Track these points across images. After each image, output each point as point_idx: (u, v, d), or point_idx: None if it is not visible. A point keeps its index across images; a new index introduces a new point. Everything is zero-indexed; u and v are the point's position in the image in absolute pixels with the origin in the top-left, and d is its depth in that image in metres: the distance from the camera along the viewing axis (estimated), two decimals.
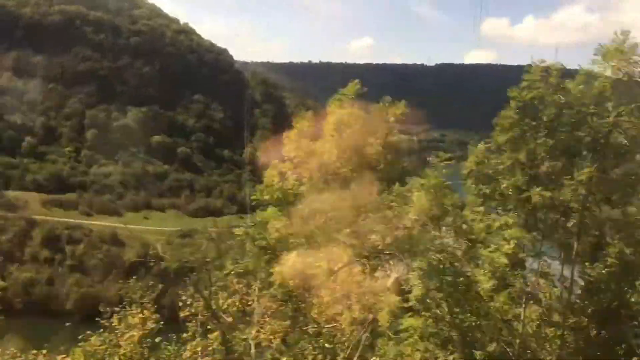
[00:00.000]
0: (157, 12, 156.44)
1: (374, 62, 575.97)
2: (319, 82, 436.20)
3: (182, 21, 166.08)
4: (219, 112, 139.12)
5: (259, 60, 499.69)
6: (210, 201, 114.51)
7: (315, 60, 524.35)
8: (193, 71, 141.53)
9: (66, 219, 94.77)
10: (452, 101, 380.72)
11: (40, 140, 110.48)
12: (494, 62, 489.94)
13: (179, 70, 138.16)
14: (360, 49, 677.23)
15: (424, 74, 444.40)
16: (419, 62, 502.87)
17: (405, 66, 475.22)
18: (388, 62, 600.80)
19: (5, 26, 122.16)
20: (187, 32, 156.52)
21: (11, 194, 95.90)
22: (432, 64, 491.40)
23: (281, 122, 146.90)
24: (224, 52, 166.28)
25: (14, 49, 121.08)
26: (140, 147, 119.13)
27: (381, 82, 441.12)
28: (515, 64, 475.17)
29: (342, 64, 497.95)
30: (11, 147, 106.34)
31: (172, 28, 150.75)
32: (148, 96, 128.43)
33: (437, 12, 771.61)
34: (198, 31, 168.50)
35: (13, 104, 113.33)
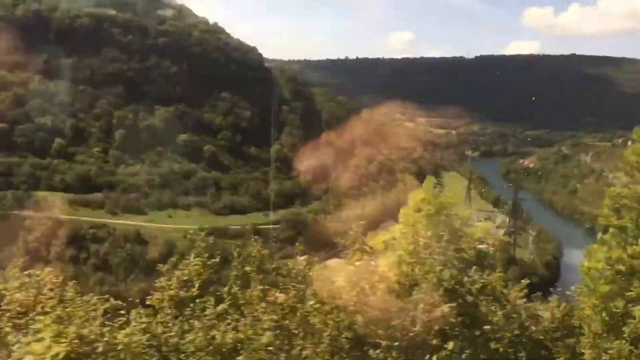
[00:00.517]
0: (185, 13, 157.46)
1: (412, 57, 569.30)
2: (355, 78, 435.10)
3: (212, 21, 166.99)
4: (246, 110, 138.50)
5: (295, 58, 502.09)
6: (236, 199, 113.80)
7: (352, 56, 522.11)
8: (220, 70, 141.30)
9: (92, 219, 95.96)
10: (492, 94, 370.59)
11: (69, 142, 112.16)
12: (536, 53, 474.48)
13: (205, 69, 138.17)
14: (400, 44, 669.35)
15: (463, 67, 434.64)
16: (458, 55, 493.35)
17: (443, 60, 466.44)
18: (426, 56, 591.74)
19: (37, 31, 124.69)
20: (215, 31, 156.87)
21: (40, 194, 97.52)
22: (472, 56, 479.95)
23: (310, 119, 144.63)
24: (252, 50, 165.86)
25: (45, 53, 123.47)
26: (167, 146, 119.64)
27: (419, 77, 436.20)
28: (558, 53, 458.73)
29: (379, 59, 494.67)
30: (42, 148, 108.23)
31: (199, 28, 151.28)
32: (175, 96, 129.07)
33: (478, 4, 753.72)
34: (235, 31, 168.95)
35: (44, 107, 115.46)
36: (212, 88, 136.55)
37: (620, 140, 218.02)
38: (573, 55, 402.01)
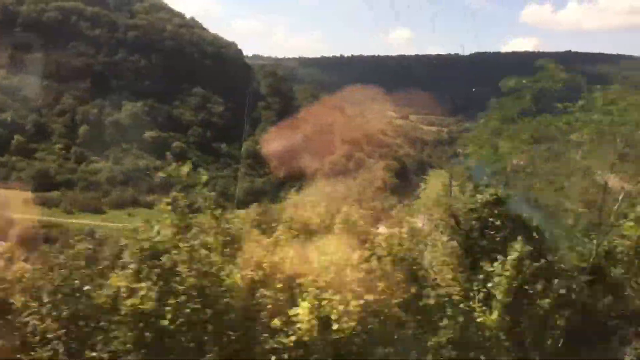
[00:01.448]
0: (159, 7, 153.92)
1: (407, 54, 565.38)
2: (348, 75, 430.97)
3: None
4: (218, 106, 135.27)
5: (290, 56, 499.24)
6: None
7: (347, 53, 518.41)
8: (193, 65, 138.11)
9: (46, 217, 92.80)
10: (486, 91, 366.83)
11: (30, 138, 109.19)
12: (531, 50, 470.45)
13: (177, 64, 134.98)
14: (398, 42, 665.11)
15: (458, 64, 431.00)
16: (452, 52, 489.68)
17: (438, 57, 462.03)
18: (421, 53, 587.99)
19: (3, 24, 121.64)
20: (189, 26, 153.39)
21: None
22: (467, 53, 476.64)
23: (287, 116, 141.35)
24: (229, 45, 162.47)
25: (10, 47, 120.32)
26: (133, 142, 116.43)
27: (413, 73, 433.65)
28: (553, 50, 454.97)
29: (374, 56, 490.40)
30: (0, 145, 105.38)
31: (173, 22, 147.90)
32: (144, 91, 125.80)
33: (478, 1, 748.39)
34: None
35: (6, 102, 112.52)
36: (184, 83, 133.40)
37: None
38: (568, 52, 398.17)
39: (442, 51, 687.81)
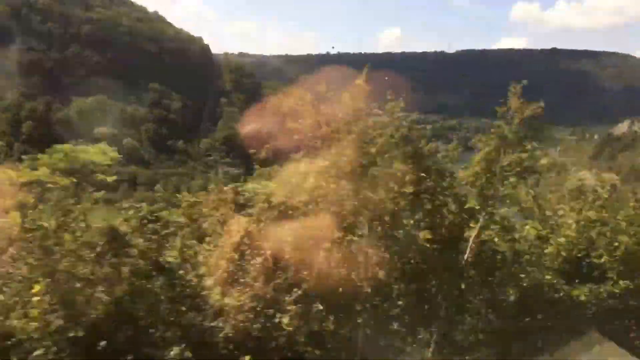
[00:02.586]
0: (119, 0, 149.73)
1: (393, 52, 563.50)
2: (335, 72, 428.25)
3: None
4: (176, 102, 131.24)
5: (277, 53, 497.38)
6: (150, 195, 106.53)
7: (334, 51, 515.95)
8: (151, 60, 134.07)
9: None
10: (471, 88, 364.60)
11: None
12: (517, 47, 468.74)
13: (134, 59, 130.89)
14: (388, 40, 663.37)
15: (444, 62, 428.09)
16: (439, 50, 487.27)
17: (425, 54, 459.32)
18: (408, 50, 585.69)
19: None
20: (150, 20, 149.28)
21: None
22: (452, 51, 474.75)
23: (249, 109, 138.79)
24: (194, 40, 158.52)
25: None
26: (82, 139, 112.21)
27: (399, 71, 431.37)
28: (539, 48, 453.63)
29: (360, 54, 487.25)
30: None
31: (132, 16, 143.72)
32: (96, 86, 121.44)
33: (467, 1, 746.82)
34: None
35: None
36: (140, 79, 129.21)
37: (587, 135, 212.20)
38: (554, 50, 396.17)
39: (430, 49, 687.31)
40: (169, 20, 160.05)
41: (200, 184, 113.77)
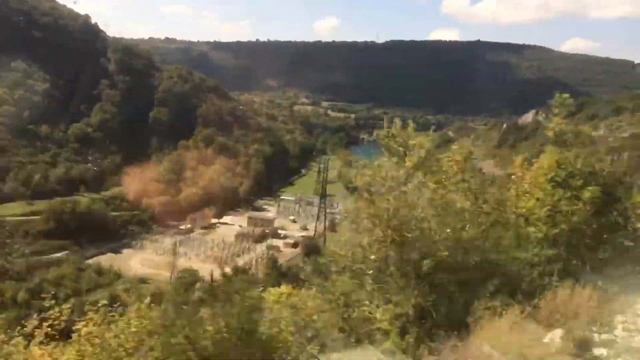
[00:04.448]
0: None
1: (323, 40, 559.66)
2: (261, 59, 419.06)
3: None
4: (44, 83, 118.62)
5: (204, 39, 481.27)
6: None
7: (263, 38, 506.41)
8: (15, 35, 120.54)
9: None
10: (396, 78, 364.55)
11: None
12: (443, 39, 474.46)
13: None
14: (325, 30, 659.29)
15: (373, 51, 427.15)
16: (369, 40, 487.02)
17: (355, 44, 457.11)
18: (338, 40, 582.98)
19: None
20: None
21: None
22: (382, 41, 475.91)
23: (138, 96, 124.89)
24: (76, 17, 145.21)
25: None
26: None
27: (330, 59, 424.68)
28: (465, 40, 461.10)
29: (290, 42, 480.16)
30: None
31: None
32: None
33: None
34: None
35: None
36: (1, 56, 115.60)
37: (498, 125, 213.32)
38: (477, 42, 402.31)
39: (360, 38, 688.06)
40: None
41: (60, 172, 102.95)
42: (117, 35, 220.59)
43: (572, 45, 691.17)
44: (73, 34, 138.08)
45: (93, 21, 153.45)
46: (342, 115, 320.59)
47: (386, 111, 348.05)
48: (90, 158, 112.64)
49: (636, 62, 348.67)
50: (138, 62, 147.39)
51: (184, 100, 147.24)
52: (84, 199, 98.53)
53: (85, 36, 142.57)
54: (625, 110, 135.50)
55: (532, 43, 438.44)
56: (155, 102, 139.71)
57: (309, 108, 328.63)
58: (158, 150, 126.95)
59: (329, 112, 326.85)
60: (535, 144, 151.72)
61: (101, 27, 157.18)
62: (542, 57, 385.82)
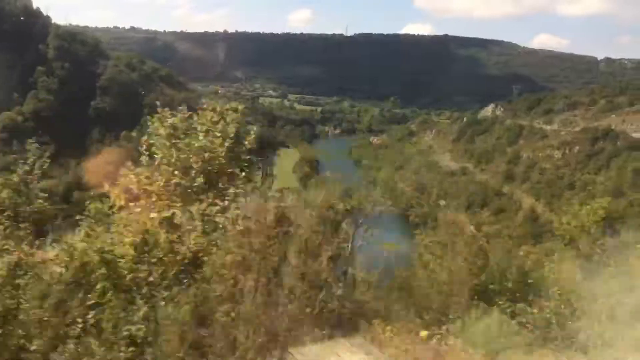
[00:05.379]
0: None
1: (292, 32, 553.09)
2: (229, 51, 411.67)
3: None
4: None
5: (170, 29, 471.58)
6: None
7: (231, 30, 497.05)
8: None
9: None
10: (366, 71, 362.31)
11: None
12: (411, 33, 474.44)
13: None
14: (298, 22, 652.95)
15: (342, 44, 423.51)
16: (338, 33, 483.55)
17: (324, 36, 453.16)
18: (306, 32, 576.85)
19: None
20: None
21: None
22: (351, 34, 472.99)
23: (77, 84, 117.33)
24: (11, 1, 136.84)
25: None
26: None
27: (295, 52, 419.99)
28: (433, 34, 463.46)
29: (258, 33, 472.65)
30: None
31: None
32: None
33: None
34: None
35: None
36: None
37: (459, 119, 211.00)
38: (445, 36, 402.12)
39: (329, 31, 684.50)
40: None
41: None
42: (75, 23, 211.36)
43: (541, 41, 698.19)
44: (10, 17, 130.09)
45: (35, 5, 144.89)
46: (308, 108, 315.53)
47: (354, 104, 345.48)
48: (15, 149, 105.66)
49: (599, 58, 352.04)
50: (81, 49, 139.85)
51: (130, 89, 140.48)
52: None
53: (22, 21, 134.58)
54: (581, 105, 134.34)
55: (501, 39, 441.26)
56: (98, 91, 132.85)
57: (275, 100, 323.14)
58: (98, 142, 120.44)
59: (295, 105, 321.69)
60: (491, 137, 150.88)
61: (43, 11, 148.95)
62: (509, 52, 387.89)
